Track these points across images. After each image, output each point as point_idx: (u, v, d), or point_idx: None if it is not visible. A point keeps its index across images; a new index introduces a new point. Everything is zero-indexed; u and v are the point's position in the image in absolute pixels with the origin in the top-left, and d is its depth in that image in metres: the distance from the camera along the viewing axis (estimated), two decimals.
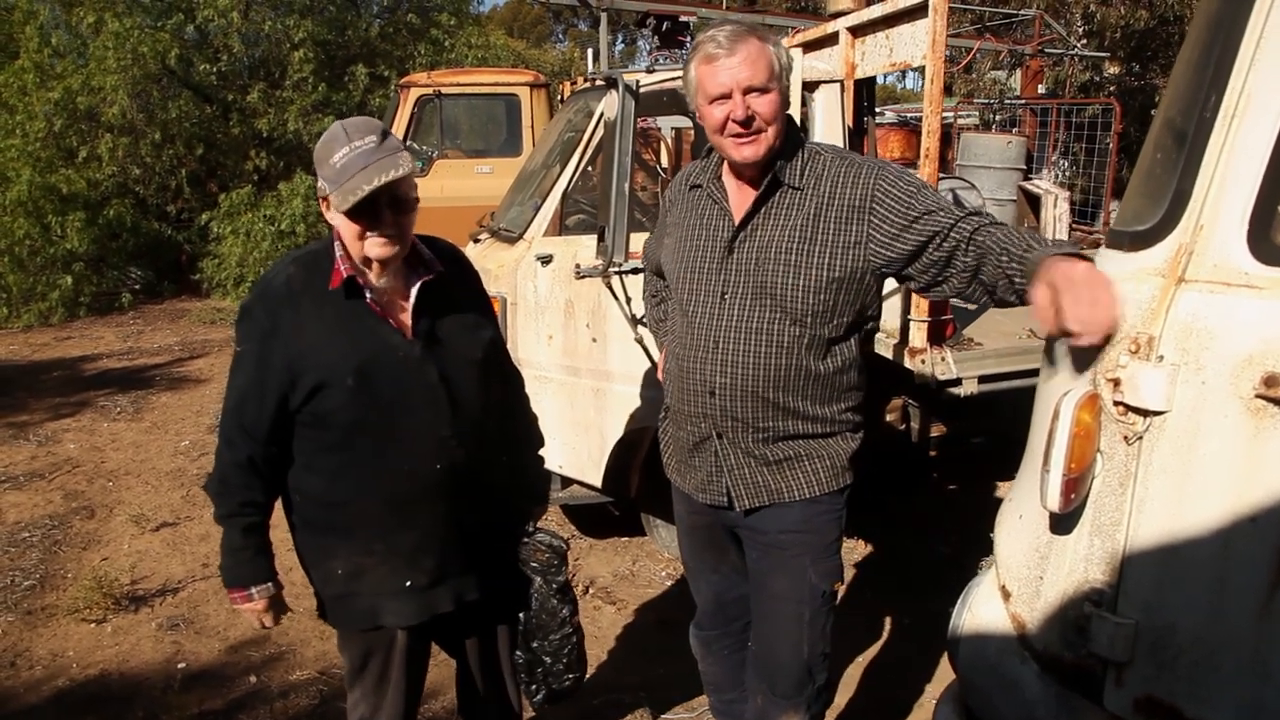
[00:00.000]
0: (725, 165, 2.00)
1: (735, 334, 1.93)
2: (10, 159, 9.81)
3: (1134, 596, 1.38)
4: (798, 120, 2.75)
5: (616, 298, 3.04)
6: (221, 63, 11.37)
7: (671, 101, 3.18)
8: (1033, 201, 7.28)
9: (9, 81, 10.68)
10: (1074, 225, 7.22)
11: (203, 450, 5.69)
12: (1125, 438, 1.36)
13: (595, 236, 3.22)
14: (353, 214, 1.77)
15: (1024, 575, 1.55)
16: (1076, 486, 1.36)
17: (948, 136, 8.55)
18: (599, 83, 3.47)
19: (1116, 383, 1.36)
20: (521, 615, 2.21)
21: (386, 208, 1.79)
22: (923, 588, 3.75)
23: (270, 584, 1.99)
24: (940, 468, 4.70)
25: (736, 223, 1.94)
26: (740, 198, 1.97)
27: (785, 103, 1.88)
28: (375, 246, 1.81)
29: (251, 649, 3.46)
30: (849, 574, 3.95)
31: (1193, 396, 1.29)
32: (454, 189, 7.42)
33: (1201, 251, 1.32)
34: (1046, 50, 8.87)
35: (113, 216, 10.67)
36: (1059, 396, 1.37)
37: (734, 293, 1.94)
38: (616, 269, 2.91)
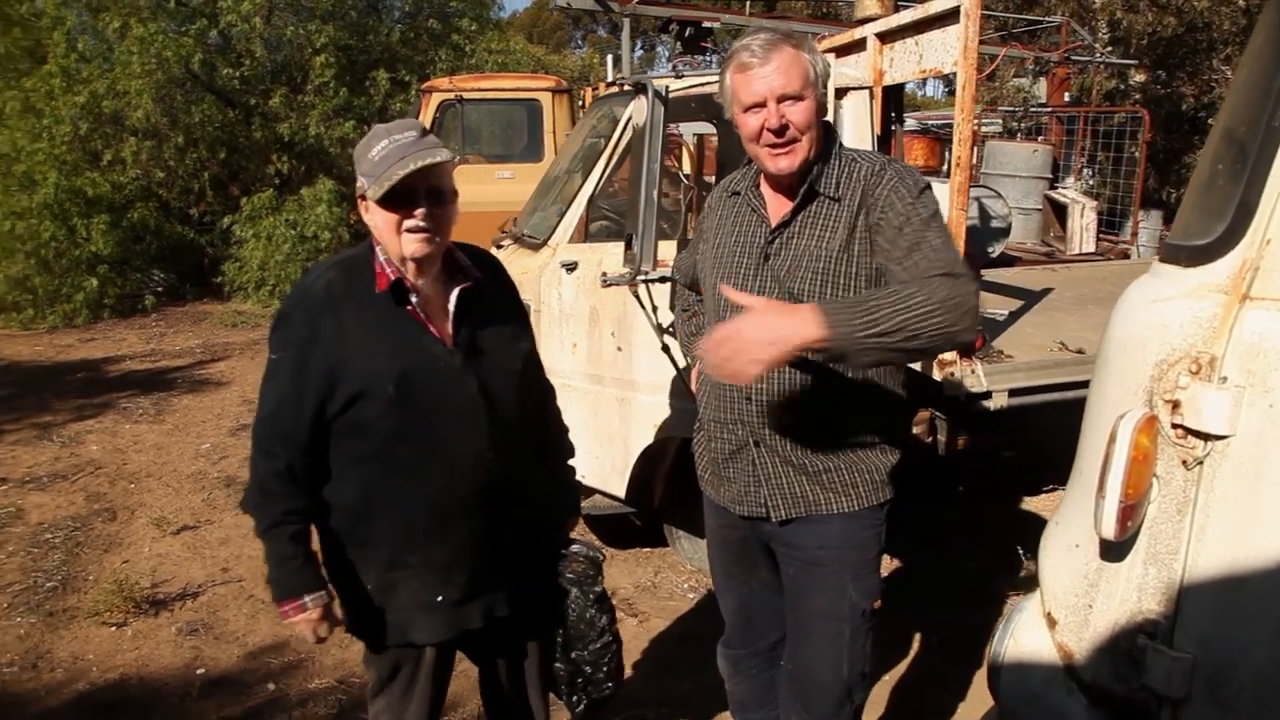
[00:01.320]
0: (763, 175, 1.97)
1: None
2: (37, 162, 9.89)
3: (1191, 630, 1.32)
4: None
5: (643, 306, 2.99)
6: (244, 67, 11.44)
7: (700, 107, 3.14)
8: (1059, 211, 7.19)
9: (37, 86, 10.77)
10: (1101, 235, 7.12)
11: (223, 453, 5.69)
12: (1184, 462, 1.31)
13: (621, 244, 3.18)
14: (389, 203, 1.74)
15: (1072, 603, 1.49)
16: (1133, 513, 1.30)
17: (971, 144, 8.45)
18: (626, 88, 3.43)
19: (1175, 405, 1.30)
20: (564, 626, 2.18)
21: (423, 197, 1.76)
22: (950, 603, 3.69)
23: (323, 592, 1.91)
24: (968, 481, 4.62)
25: (772, 229, 1.92)
26: (778, 206, 1.95)
27: (821, 111, 1.85)
28: (413, 242, 1.77)
29: (270, 655, 3.44)
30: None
31: (1259, 420, 1.23)
32: (475, 194, 7.37)
33: (1269, 267, 1.26)
34: (1073, 57, 8.76)
35: (136, 219, 10.76)
36: (1115, 418, 1.31)
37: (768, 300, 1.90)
38: (644, 277, 2.87)
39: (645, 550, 4.31)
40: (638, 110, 2.87)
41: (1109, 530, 1.29)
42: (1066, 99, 8.68)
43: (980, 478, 4.49)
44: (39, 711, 3.13)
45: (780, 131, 1.80)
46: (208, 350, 8.57)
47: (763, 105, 1.80)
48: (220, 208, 11.41)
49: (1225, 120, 1.45)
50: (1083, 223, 6.97)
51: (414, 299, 1.83)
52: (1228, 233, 1.32)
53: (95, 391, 7.12)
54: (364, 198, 1.80)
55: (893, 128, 4.22)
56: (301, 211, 10.31)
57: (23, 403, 6.84)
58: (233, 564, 4.19)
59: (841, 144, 1.94)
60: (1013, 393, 3.35)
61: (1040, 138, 8.72)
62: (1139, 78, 11.76)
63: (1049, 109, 8.56)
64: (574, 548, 2.22)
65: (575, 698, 2.22)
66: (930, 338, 1.59)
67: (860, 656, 2.05)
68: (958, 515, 4.62)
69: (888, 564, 4.19)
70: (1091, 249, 6.92)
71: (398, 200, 1.74)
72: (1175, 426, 1.31)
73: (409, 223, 1.76)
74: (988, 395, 3.26)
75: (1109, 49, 10.83)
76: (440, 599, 1.93)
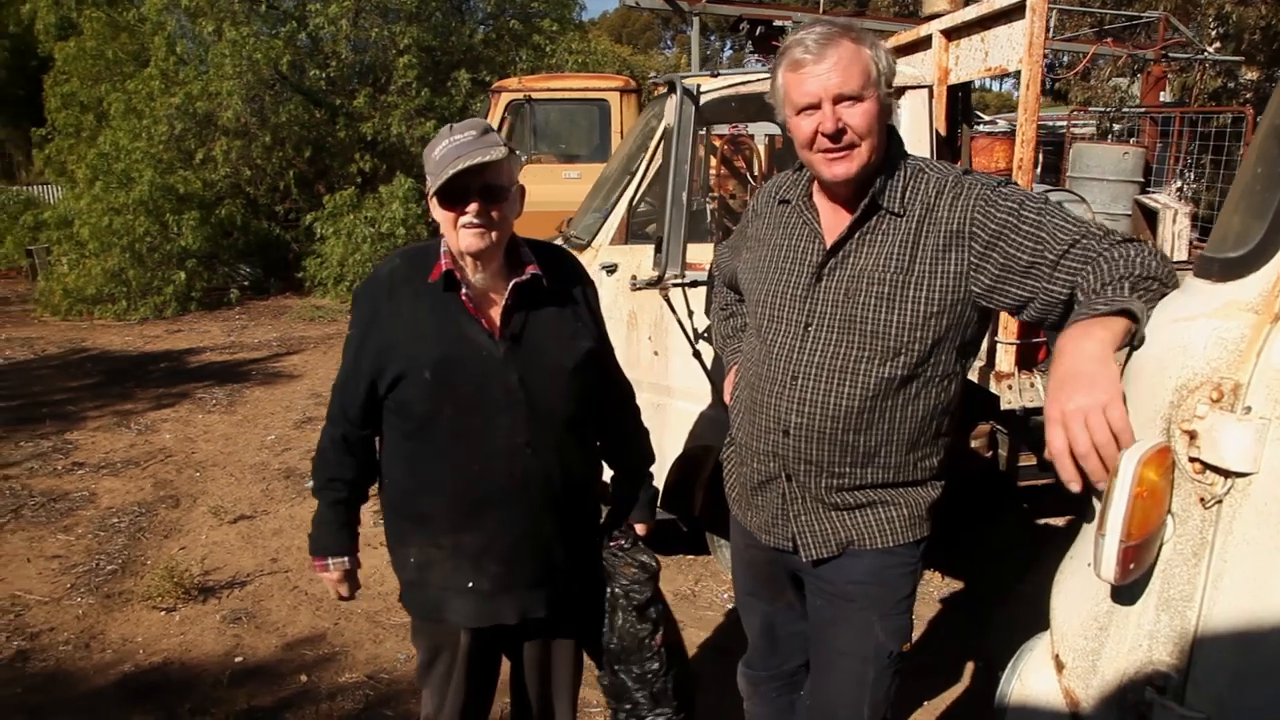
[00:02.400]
0: (816, 183, 1.81)
1: (817, 370, 1.75)
2: (135, 161, 10.38)
3: (1205, 687, 1.18)
4: None
5: (675, 311, 2.91)
6: (330, 68, 11.80)
7: (740, 108, 3.04)
8: (1149, 217, 6.81)
9: (138, 88, 11.32)
10: (1195, 243, 6.71)
11: (286, 445, 5.83)
12: (1202, 500, 1.17)
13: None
14: (444, 199, 1.80)
15: (1080, 647, 1.36)
16: (1138, 555, 1.17)
17: (1061, 147, 8.08)
18: (662, 89, 3.36)
19: (1193, 435, 1.16)
20: (605, 635, 2.10)
21: (476, 194, 1.79)
22: (998, 624, 3.50)
23: (346, 558, 2.06)
24: (1030, 499, 4.40)
25: (828, 247, 1.76)
26: (833, 220, 1.77)
27: (885, 113, 1.68)
28: (467, 236, 1.81)
29: (306, 647, 3.49)
30: (922, 608, 3.72)
31: None
32: (540, 194, 7.37)
33: None
34: (1171, 55, 8.29)
35: (225, 216, 11.20)
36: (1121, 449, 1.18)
37: (819, 325, 1.75)
38: (674, 281, 2.79)
39: (689, 557, 4.23)
40: (669, 110, 2.79)
41: (1108, 573, 1.16)
42: (1163, 98, 8.23)
43: (1043, 496, 4.27)
44: (86, 691, 3.23)
45: (836, 136, 1.64)
46: (284, 344, 8.84)
47: (817, 106, 1.64)
48: (305, 205, 11.80)
49: (1271, 116, 1.30)
50: (1174, 230, 6.57)
51: (465, 289, 1.87)
52: (1262, 244, 1.17)
53: (175, 381, 7.41)
54: (432, 196, 1.85)
55: (960, 128, 4.04)
56: (380, 209, 10.55)
57: (108, 391, 7.17)
58: (282, 555, 4.28)
59: (907, 152, 1.77)
60: None
61: (1134, 140, 8.28)
62: (1250, 75, 11.09)
63: (1143, 109, 8.12)
64: (634, 550, 2.12)
65: (621, 717, 2.12)
66: (1163, 283, 1.44)
67: (883, 701, 1.91)
68: (1014, 534, 4.41)
69: (937, 583, 4.01)
70: (1184, 257, 6.52)
71: (452, 197, 1.79)
72: (1193, 460, 1.17)
73: (463, 219, 1.81)
74: (1040, 411, 3.08)
75: (1217, 45, 10.25)
76: (471, 585, 1.96)
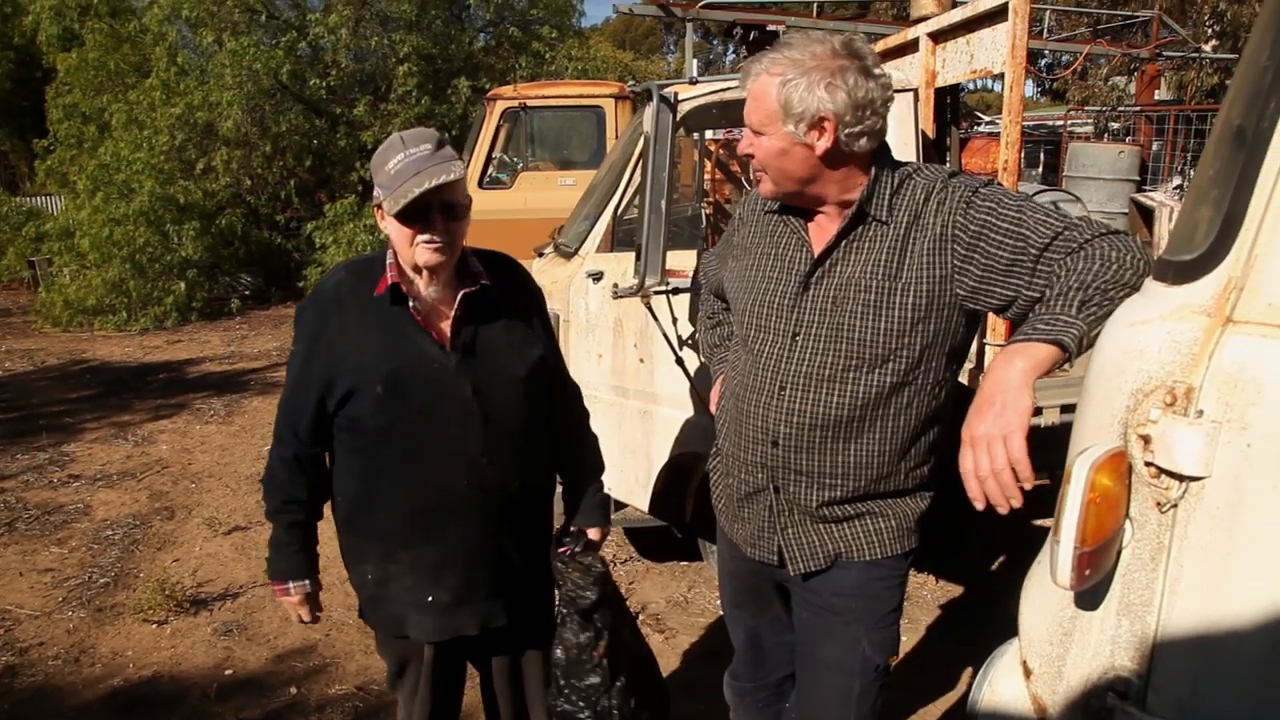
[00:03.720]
0: None
1: (805, 380, 1.74)
2: (136, 171, 10.42)
3: (1165, 692, 1.17)
4: None
5: (658, 319, 2.91)
6: (331, 77, 11.82)
7: (721, 114, 3.04)
8: (1146, 215, 6.79)
9: (140, 99, 11.36)
10: None
11: None
12: (1158, 504, 1.16)
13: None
14: (404, 218, 1.77)
15: (1046, 653, 1.35)
16: (1094, 561, 1.16)
17: (1058, 146, 8.08)
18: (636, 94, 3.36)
19: (1147, 440, 1.15)
20: (554, 647, 2.06)
21: (437, 212, 1.78)
22: (986, 627, 3.47)
23: (307, 581, 2.02)
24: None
25: (815, 256, 1.75)
26: (821, 229, 1.78)
27: (799, 148, 1.64)
28: (425, 252, 1.80)
29: (297, 659, 3.48)
30: (910, 610, 3.70)
31: (1236, 461, 1.08)
32: (536, 201, 7.45)
33: (1254, 287, 1.11)
34: (1165, 54, 8.26)
35: (225, 225, 11.21)
36: (1075, 454, 1.17)
37: (806, 334, 1.74)
38: (655, 289, 2.79)
39: (682, 564, 4.22)
40: (647, 118, 2.79)
41: (1064, 579, 1.15)
42: (1159, 97, 8.21)
43: (1031, 499, 4.24)
44: (74, 706, 3.23)
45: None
46: (284, 353, 8.84)
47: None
48: (306, 214, 11.82)
49: (1224, 114, 1.29)
50: (1170, 227, 6.57)
51: (412, 301, 1.86)
52: (1214, 246, 1.16)
53: (173, 392, 7.42)
54: (380, 208, 1.84)
55: (949, 131, 4.03)
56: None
57: (107, 402, 7.19)
58: None
59: (895, 160, 1.75)
60: (1065, 409, 3.14)
61: (1129, 138, 8.26)
62: None
63: (1138, 108, 8.11)
64: (576, 549, 2.08)
65: None
66: (1131, 287, 1.45)
67: (869, 716, 1.90)
68: (1004, 536, 4.38)
69: (925, 583, 3.99)
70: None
71: (413, 216, 1.77)
72: (1148, 464, 1.16)
73: (422, 236, 1.79)
74: (1038, 411, 3.06)
75: (1214, 43, 10.22)
76: (430, 599, 1.96)
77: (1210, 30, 9.70)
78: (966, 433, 1.38)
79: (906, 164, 1.76)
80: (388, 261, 1.87)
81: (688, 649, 3.54)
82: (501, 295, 1.95)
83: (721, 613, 3.77)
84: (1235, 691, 1.11)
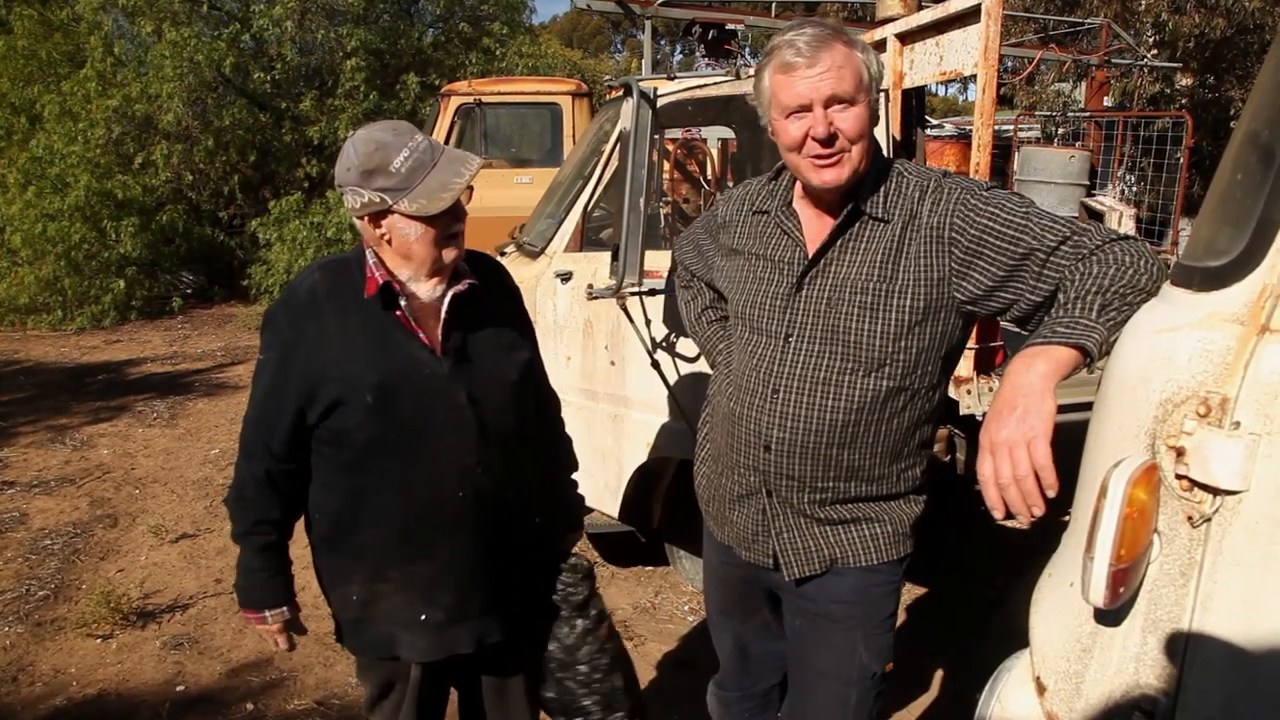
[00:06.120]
0: (798, 189, 1.75)
1: (799, 383, 1.69)
2: (71, 165, 10.01)
3: (1194, 711, 1.13)
4: None
5: (633, 321, 2.84)
6: (275, 71, 11.51)
7: (696, 111, 2.98)
8: (1096, 218, 6.93)
9: (73, 90, 10.92)
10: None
11: (231, 459, 5.60)
12: (1189, 518, 1.13)
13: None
14: (435, 216, 1.68)
15: (1063, 669, 1.31)
16: (1127, 577, 1.12)
17: (1008, 150, 8.20)
18: (618, 91, 3.30)
19: (1180, 452, 1.12)
20: (549, 645, 2.01)
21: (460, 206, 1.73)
22: (966, 632, 3.48)
23: (285, 608, 1.91)
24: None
25: (809, 255, 1.70)
26: (816, 227, 1.73)
27: (874, 119, 1.62)
28: (454, 248, 1.74)
29: (252, 673, 3.34)
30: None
31: (1276, 474, 1.05)
32: (492, 199, 7.29)
33: None
34: (1114, 61, 8.45)
35: (166, 222, 10.84)
36: (1108, 466, 1.13)
37: (800, 336, 1.69)
38: (631, 290, 2.72)
39: (648, 569, 4.15)
40: (625, 114, 2.72)
41: (1098, 598, 1.12)
42: (1106, 103, 8.38)
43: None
44: None
45: (829, 141, 1.58)
46: (228, 353, 8.58)
47: (808, 109, 1.58)
48: (250, 210, 11.49)
49: (1248, 122, 1.27)
50: (1120, 231, 6.71)
51: (403, 303, 1.75)
52: (1246, 253, 1.13)
53: (113, 394, 7.13)
54: (381, 214, 1.68)
55: (915, 133, 4.03)
56: (327, 214, 10.31)
57: (42, 405, 6.88)
58: (227, 575, 4.10)
59: (886, 157, 1.72)
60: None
61: (1079, 143, 8.42)
62: (1185, 81, 11.37)
63: (1088, 114, 8.27)
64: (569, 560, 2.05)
65: None
66: (1148, 293, 1.41)
67: None
68: (977, 540, 4.41)
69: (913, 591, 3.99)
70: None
71: (444, 212, 1.68)
72: (1180, 477, 1.13)
73: (448, 232, 1.72)
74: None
75: (1154, 52, 10.48)
76: (424, 618, 1.85)
77: (1151, 39, 9.95)
78: (985, 438, 1.32)
79: (898, 162, 1.72)
80: (369, 262, 1.75)
81: (659, 657, 3.48)
82: (487, 296, 1.86)
83: (691, 618, 3.73)
84: (1270, 710, 1.08)
